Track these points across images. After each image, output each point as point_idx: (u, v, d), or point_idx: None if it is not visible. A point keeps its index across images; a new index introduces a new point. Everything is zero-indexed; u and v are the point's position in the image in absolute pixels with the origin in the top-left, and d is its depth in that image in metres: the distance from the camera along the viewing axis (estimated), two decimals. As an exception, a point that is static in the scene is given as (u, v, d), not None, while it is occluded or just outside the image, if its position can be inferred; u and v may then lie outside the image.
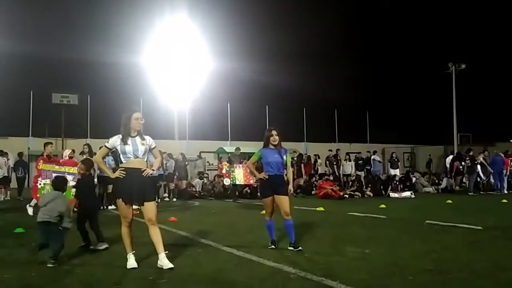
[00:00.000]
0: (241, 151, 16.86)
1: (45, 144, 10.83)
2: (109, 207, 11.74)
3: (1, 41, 24.33)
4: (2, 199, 15.25)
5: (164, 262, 4.98)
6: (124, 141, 5.07)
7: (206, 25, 30.33)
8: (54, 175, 10.04)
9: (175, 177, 15.94)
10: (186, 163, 16.36)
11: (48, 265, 5.15)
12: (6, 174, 15.59)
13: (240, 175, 15.00)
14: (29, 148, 23.24)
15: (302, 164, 18.95)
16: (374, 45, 36.64)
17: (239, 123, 30.20)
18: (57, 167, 10.43)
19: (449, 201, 13.19)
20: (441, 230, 7.76)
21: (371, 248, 6.13)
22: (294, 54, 34.79)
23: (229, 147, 26.62)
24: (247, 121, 29.34)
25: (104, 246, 6.20)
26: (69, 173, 10.03)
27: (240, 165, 15.14)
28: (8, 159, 15.90)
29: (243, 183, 15.39)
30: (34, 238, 6.98)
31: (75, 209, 6.48)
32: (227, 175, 15.21)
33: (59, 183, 5.96)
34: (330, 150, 21.20)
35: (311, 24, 34.46)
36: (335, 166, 19.98)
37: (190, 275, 4.81)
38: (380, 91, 35.88)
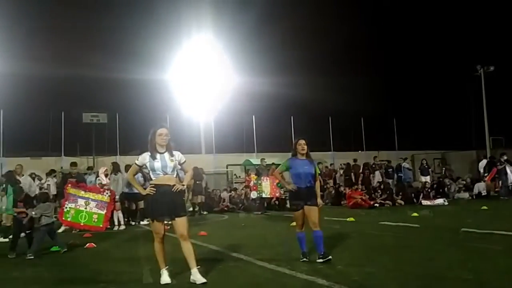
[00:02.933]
0: (268, 162, 16.90)
1: (70, 164, 12.65)
2: (141, 223, 11.91)
3: (33, 65, 25.23)
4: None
5: (197, 277, 4.99)
6: (152, 157, 5.13)
7: (231, 41, 30.67)
8: (79, 200, 10.32)
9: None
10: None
11: None
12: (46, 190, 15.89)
13: (267, 188, 14.99)
14: (61, 167, 23.92)
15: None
16: (399, 50, 36.10)
17: (264, 135, 30.19)
18: (83, 192, 10.66)
19: (484, 207, 12.79)
20: (478, 237, 7.54)
21: (406, 258, 6.00)
22: (317, 64, 34.68)
23: (255, 159, 26.67)
24: (272, 133, 29.33)
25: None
26: (92, 200, 10.29)
27: (267, 178, 15.14)
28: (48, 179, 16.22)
29: (269, 196, 15.37)
30: (70, 256, 7.14)
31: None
32: (254, 188, 15.22)
33: None
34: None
35: (334, 34, 34.33)
36: (371, 175, 19.76)
37: (223, 290, 4.81)
38: (406, 96, 35.26)
